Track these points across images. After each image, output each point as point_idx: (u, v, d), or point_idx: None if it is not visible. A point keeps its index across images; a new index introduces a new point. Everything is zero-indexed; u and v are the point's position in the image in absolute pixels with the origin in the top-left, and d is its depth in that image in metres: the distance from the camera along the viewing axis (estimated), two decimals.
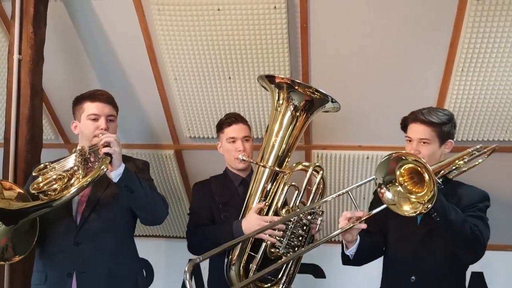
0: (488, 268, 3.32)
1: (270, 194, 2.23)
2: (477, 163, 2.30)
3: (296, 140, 2.31)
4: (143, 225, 3.57)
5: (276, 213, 2.20)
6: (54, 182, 1.96)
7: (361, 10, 2.50)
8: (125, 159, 2.17)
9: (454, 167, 2.04)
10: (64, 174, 1.96)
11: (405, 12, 2.48)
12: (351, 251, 2.02)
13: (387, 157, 1.77)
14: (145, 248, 3.73)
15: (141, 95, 3.03)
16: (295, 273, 2.24)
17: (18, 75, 2.31)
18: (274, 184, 2.25)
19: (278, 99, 2.27)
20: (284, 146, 2.26)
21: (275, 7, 2.50)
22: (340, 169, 3.13)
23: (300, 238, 2.16)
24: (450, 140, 2.06)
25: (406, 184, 1.76)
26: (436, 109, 2.10)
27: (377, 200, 1.99)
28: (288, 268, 2.20)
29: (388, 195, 1.76)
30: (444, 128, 2.01)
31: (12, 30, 2.34)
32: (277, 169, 2.22)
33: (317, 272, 3.57)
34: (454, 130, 2.09)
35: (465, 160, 2.08)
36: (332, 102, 2.26)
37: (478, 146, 2.24)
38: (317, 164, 2.28)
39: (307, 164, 2.28)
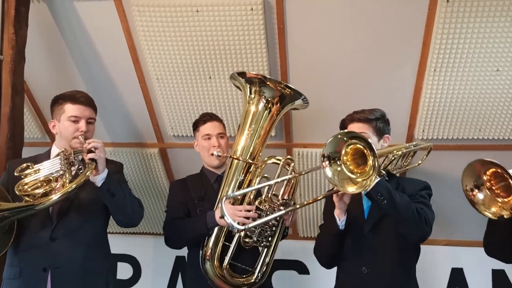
0: (468, 264, 3.38)
1: (243, 185, 2.30)
2: (416, 164, 2.49)
3: (268, 132, 2.38)
4: None
5: (249, 204, 2.26)
6: (39, 185, 2.02)
7: (336, 13, 2.57)
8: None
9: (393, 157, 2.17)
10: (51, 178, 2.04)
11: (378, 13, 2.54)
12: (342, 222, 2.10)
13: (340, 133, 1.88)
14: (133, 245, 3.83)
15: (125, 95, 3.10)
16: (270, 264, 2.30)
17: None
18: (247, 176, 2.32)
19: (250, 94, 2.34)
20: (256, 138, 2.33)
21: (252, 9, 2.57)
22: None
23: (274, 228, 2.23)
24: (387, 135, 2.23)
25: (348, 164, 1.85)
26: (369, 109, 2.25)
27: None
28: (263, 258, 2.27)
29: (328, 172, 1.87)
30: (377, 123, 2.19)
31: None
32: (250, 161, 2.30)
33: (300, 268, 3.63)
34: (388, 127, 2.27)
35: (403, 151, 2.23)
36: (302, 99, 2.32)
37: (414, 142, 2.45)
38: (289, 157, 2.35)
39: (279, 157, 2.35)
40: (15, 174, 2.10)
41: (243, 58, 2.77)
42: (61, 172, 2.06)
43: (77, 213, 2.17)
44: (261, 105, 2.31)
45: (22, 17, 2.45)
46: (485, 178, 1.26)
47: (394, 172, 2.24)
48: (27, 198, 1.99)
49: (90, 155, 2.02)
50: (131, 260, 3.80)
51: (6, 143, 2.37)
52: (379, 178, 1.92)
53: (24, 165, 2.13)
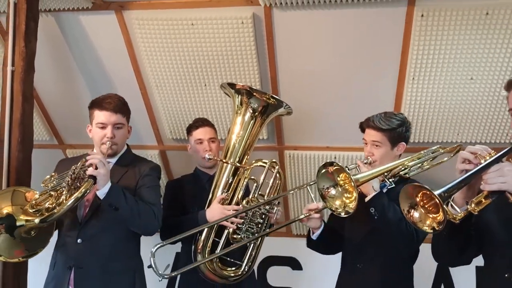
0: None
1: (232, 186, 2.50)
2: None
3: (255, 138, 2.57)
4: None
5: (237, 204, 2.46)
6: (45, 199, 2.16)
7: (320, 25, 2.76)
8: (137, 160, 2.42)
9: (403, 168, 2.14)
10: (52, 193, 2.17)
11: (360, 25, 2.72)
12: (315, 235, 2.28)
13: (320, 168, 1.98)
14: None
15: (127, 101, 3.28)
16: (256, 257, 2.49)
17: (11, 84, 2.60)
18: (236, 178, 2.51)
19: (238, 103, 2.54)
20: (244, 144, 2.53)
21: (242, 22, 2.77)
22: (310, 167, 3.39)
23: (259, 226, 2.43)
24: (402, 143, 2.23)
25: (345, 186, 1.94)
26: (390, 114, 2.25)
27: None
28: (250, 252, 2.46)
29: (332, 191, 1.97)
30: (394, 132, 2.18)
31: (6, 44, 2.64)
32: (238, 164, 2.49)
33: (294, 264, 3.80)
34: (406, 134, 2.24)
35: (415, 161, 2.18)
36: (284, 107, 2.52)
37: (434, 148, 2.31)
38: (274, 160, 2.54)
39: (265, 160, 2.54)
40: (42, 185, 2.24)
41: (236, 67, 2.97)
42: (64, 187, 2.15)
43: (99, 219, 2.26)
44: (248, 113, 2.51)
45: (31, 31, 2.67)
46: (417, 199, 1.42)
47: (408, 176, 2.19)
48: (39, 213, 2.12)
49: (89, 172, 2.07)
50: None
51: (17, 146, 2.58)
52: (377, 191, 2.04)
53: (48, 176, 2.27)
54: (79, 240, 2.25)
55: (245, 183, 2.51)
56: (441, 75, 2.79)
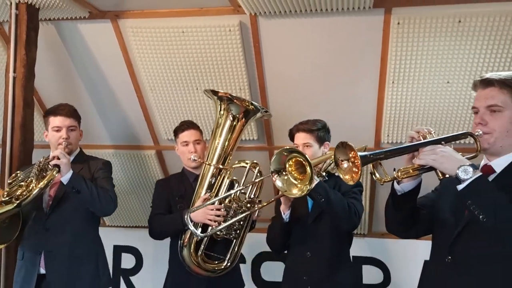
0: None
1: (215, 186, 2.65)
2: None
3: (236, 142, 2.72)
4: (134, 217, 4.08)
5: (220, 203, 2.58)
6: (18, 188, 2.46)
7: (303, 32, 2.90)
8: (90, 158, 2.73)
9: (331, 162, 2.43)
10: (22, 183, 2.49)
11: (341, 32, 2.87)
12: (286, 215, 2.47)
13: (280, 150, 2.18)
14: (135, 237, 4.20)
15: (124, 103, 3.49)
16: (239, 251, 2.65)
17: (13, 89, 2.80)
18: (218, 178, 2.67)
19: (220, 109, 2.69)
20: (225, 147, 2.68)
21: (230, 30, 2.93)
22: None
23: (241, 222, 2.58)
24: (327, 142, 2.58)
25: (293, 173, 2.16)
26: (312, 120, 2.59)
27: None
28: (232, 248, 2.62)
29: (278, 183, 2.17)
30: (319, 133, 2.53)
31: (8, 52, 2.84)
32: (220, 166, 2.65)
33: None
34: (328, 135, 2.62)
35: None
36: (261, 112, 2.70)
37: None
38: (254, 161, 2.69)
39: (246, 161, 2.68)
40: (8, 181, 2.60)
41: (225, 72, 3.12)
42: (31, 178, 2.46)
43: (62, 209, 2.57)
44: (229, 119, 2.66)
45: (32, 40, 2.86)
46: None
47: (333, 172, 2.54)
48: (14, 200, 2.41)
49: (52, 162, 2.42)
50: (134, 251, 4.17)
51: (18, 147, 2.79)
52: (319, 180, 2.28)
53: (13, 174, 2.62)
54: (47, 228, 2.56)
55: (227, 183, 2.65)
56: (419, 79, 2.92)
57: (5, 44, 3.19)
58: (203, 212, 2.49)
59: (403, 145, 1.61)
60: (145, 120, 3.54)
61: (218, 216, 2.48)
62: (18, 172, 2.62)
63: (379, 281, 3.80)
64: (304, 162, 2.11)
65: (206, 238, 2.57)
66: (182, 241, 2.59)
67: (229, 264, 2.60)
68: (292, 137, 2.60)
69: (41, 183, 2.37)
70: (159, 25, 3.01)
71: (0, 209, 2.35)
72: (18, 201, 2.36)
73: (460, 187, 1.48)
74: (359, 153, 1.52)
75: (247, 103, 2.63)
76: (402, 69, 2.89)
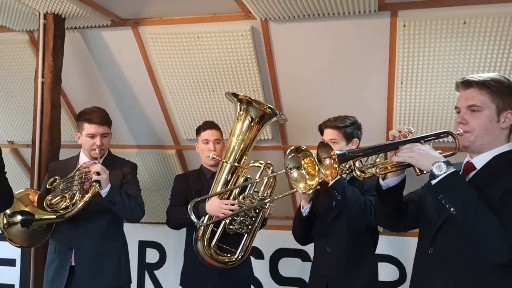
0: None
1: (230, 183, 2.80)
2: None
3: (252, 142, 2.86)
4: (157, 214, 4.27)
5: (234, 199, 2.75)
6: (61, 201, 2.68)
7: (313, 36, 3.01)
8: (118, 159, 2.90)
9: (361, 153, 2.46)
10: (66, 195, 2.68)
11: (349, 35, 2.96)
12: (305, 209, 2.58)
13: (291, 150, 2.21)
14: (159, 233, 4.38)
15: (145, 105, 3.68)
16: (250, 246, 2.78)
17: (41, 93, 3.04)
18: (234, 176, 2.82)
19: (239, 111, 2.84)
20: (242, 146, 2.82)
21: (242, 35, 3.07)
22: None
23: (253, 218, 2.73)
24: (355, 139, 2.59)
25: (309, 169, 2.13)
26: (343, 116, 2.62)
27: None
28: (244, 241, 2.76)
29: (294, 174, 2.16)
30: (347, 130, 2.55)
31: (37, 59, 3.07)
32: (236, 164, 2.80)
33: (303, 256, 4.02)
34: (357, 131, 2.61)
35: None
36: (279, 115, 2.83)
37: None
38: (268, 162, 2.82)
39: (261, 161, 2.83)
40: (47, 186, 2.76)
41: (239, 74, 3.26)
42: (75, 190, 2.66)
43: (93, 207, 2.71)
44: (247, 120, 2.80)
45: (58, 47, 3.08)
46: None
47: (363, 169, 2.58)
48: (54, 212, 2.65)
49: (94, 177, 2.59)
50: (158, 246, 4.35)
51: (46, 147, 3.02)
52: (338, 177, 2.34)
53: (52, 178, 2.77)
54: (75, 226, 2.73)
55: (241, 181, 2.80)
56: (427, 79, 2.98)
57: (35, 51, 3.44)
58: (217, 206, 2.65)
59: (382, 143, 1.71)
60: (165, 121, 3.72)
61: (232, 210, 2.63)
62: (57, 177, 2.76)
63: (395, 278, 3.85)
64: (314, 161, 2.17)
65: (219, 231, 2.71)
66: (196, 234, 2.74)
67: (240, 257, 2.74)
68: (322, 132, 2.65)
69: (85, 198, 2.59)
70: (176, 31, 3.17)
71: (45, 219, 2.63)
72: (62, 214, 2.62)
73: (433, 181, 1.57)
74: (337, 152, 1.63)
75: (265, 107, 2.77)
76: (410, 69, 2.95)
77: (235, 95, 2.85)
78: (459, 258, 1.61)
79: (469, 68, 2.86)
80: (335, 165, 1.63)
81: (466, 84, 1.70)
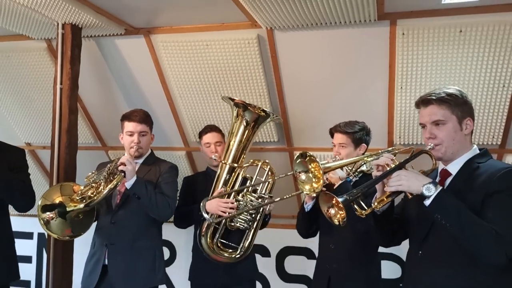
0: None
1: (229, 182, 2.94)
2: None
3: (249, 143, 2.98)
4: None
5: (232, 197, 2.85)
6: (88, 190, 2.74)
7: (316, 43, 3.16)
8: (159, 160, 2.98)
9: (363, 163, 2.48)
10: (93, 184, 2.75)
11: (350, 43, 3.10)
12: (308, 205, 2.68)
13: (297, 156, 2.31)
14: (169, 231, 4.46)
15: (157, 109, 3.83)
16: (252, 242, 2.91)
17: (60, 99, 3.21)
18: (232, 175, 2.95)
19: (236, 115, 2.97)
20: (239, 147, 2.95)
21: (248, 43, 3.23)
22: None
23: (253, 215, 2.86)
24: (363, 144, 2.69)
25: (315, 172, 2.24)
26: (353, 122, 2.70)
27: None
28: (245, 238, 2.89)
29: (302, 177, 2.27)
30: (356, 135, 2.64)
31: (56, 67, 3.25)
32: (235, 165, 2.93)
33: (308, 254, 4.15)
34: (366, 137, 2.69)
35: (374, 158, 2.46)
36: (272, 117, 2.96)
37: (390, 148, 2.61)
38: (266, 160, 2.94)
39: (257, 160, 2.94)
40: (85, 179, 2.85)
41: (246, 80, 3.42)
42: (102, 180, 2.72)
43: (128, 206, 2.81)
44: (243, 123, 2.94)
45: (75, 56, 3.25)
46: (333, 201, 1.85)
47: (370, 172, 2.57)
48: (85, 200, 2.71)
49: (119, 168, 2.65)
50: (168, 244, 4.47)
51: (64, 150, 3.19)
52: (345, 179, 2.48)
53: (90, 173, 2.86)
54: (112, 223, 2.80)
55: (240, 179, 2.93)
56: (426, 85, 3.11)
57: (54, 59, 3.62)
58: (216, 204, 2.78)
59: (374, 179, 1.87)
60: (175, 124, 3.89)
61: (231, 208, 2.77)
62: (93, 172, 2.86)
63: (397, 276, 3.98)
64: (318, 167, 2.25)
65: (221, 228, 2.86)
66: (200, 230, 2.89)
67: (242, 252, 2.87)
68: (332, 135, 2.74)
69: (109, 186, 2.62)
70: (186, 39, 3.34)
71: (70, 207, 2.69)
72: (86, 202, 2.67)
73: (427, 202, 1.73)
74: (339, 198, 1.81)
75: (258, 110, 2.91)
76: (409, 75, 3.09)
77: (231, 99, 2.98)
78: (446, 260, 1.76)
79: (465, 74, 2.99)
80: (341, 211, 1.83)
81: (425, 102, 1.86)
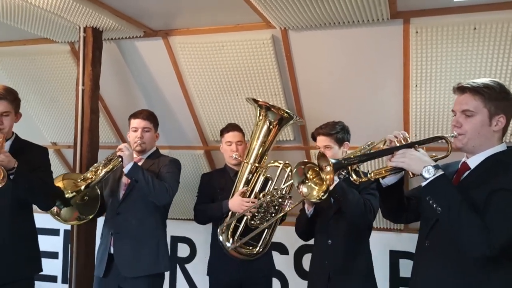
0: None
1: (251, 182, 3.02)
2: None
3: (271, 144, 3.07)
4: (188, 211, 4.51)
5: (255, 197, 2.97)
6: (89, 173, 2.99)
7: (330, 43, 3.19)
8: (162, 156, 3.15)
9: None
10: (93, 169, 3.01)
11: (365, 42, 3.12)
12: (310, 212, 2.77)
13: (296, 165, 2.30)
14: (190, 229, 4.61)
15: (176, 109, 3.94)
16: (270, 240, 2.99)
17: (82, 100, 3.34)
18: (254, 175, 3.04)
19: (259, 115, 3.06)
20: (262, 148, 3.04)
21: (263, 43, 3.28)
22: None
23: (273, 215, 2.93)
24: (346, 142, 2.78)
25: (314, 179, 2.25)
26: (331, 123, 2.80)
27: None
28: (264, 236, 2.97)
29: (304, 190, 2.24)
30: (338, 135, 2.74)
31: (78, 69, 3.38)
32: (257, 164, 3.02)
33: None
34: (347, 135, 2.80)
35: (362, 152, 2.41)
36: (295, 119, 3.03)
37: (369, 142, 2.51)
38: (287, 162, 3.01)
39: (279, 162, 3.02)
40: (91, 169, 3.06)
41: (261, 80, 3.48)
42: (101, 164, 2.98)
43: (133, 197, 2.97)
44: (266, 124, 3.02)
45: (97, 58, 3.37)
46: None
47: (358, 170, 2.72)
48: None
49: (118, 153, 2.86)
50: (188, 242, 4.62)
51: (86, 148, 3.32)
52: (338, 180, 2.51)
53: (96, 163, 3.09)
54: (117, 213, 2.98)
55: (262, 179, 3.01)
56: (441, 82, 3.10)
57: (75, 60, 3.76)
58: (239, 203, 2.87)
59: (377, 151, 1.89)
60: (194, 123, 3.97)
61: (253, 207, 2.85)
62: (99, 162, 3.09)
63: None
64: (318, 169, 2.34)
65: (242, 226, 2.93)
66: (221, 228, 2.96)
67: (261, 250, 2.95)
68: (315, 139, 2.86)
69: (106, 168, 2.88)
70: (202, 40, 3.42)
71: (70, 194, 2.89)
72: (86, 183, 2.91)
73: (423, 184, 1.74)
74: (332, 160, 1.83)
75: (282, 111, 2.98)
76: (424, 73, 3.09)
77: (255, 100, 3.06)
78: (451, 250, 1.76)
79: (480, 72, 2.97)
80: (331, 174, 1.82)
81: (461, 89, 1.85)
